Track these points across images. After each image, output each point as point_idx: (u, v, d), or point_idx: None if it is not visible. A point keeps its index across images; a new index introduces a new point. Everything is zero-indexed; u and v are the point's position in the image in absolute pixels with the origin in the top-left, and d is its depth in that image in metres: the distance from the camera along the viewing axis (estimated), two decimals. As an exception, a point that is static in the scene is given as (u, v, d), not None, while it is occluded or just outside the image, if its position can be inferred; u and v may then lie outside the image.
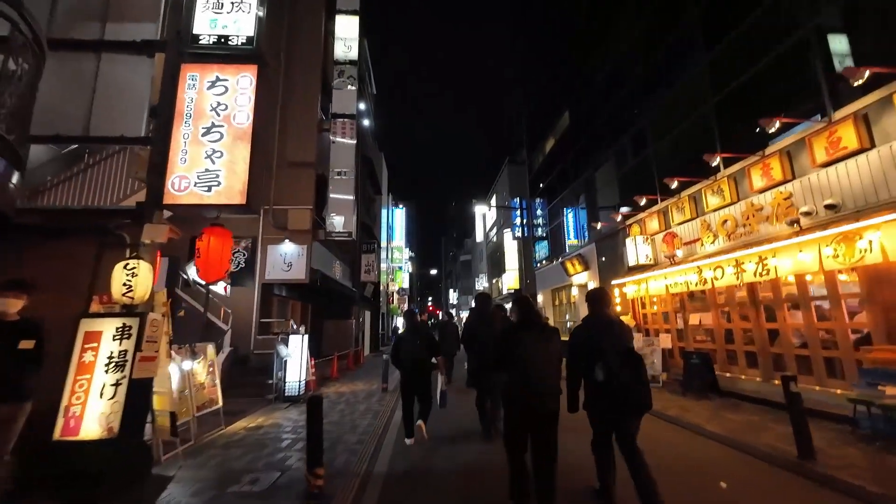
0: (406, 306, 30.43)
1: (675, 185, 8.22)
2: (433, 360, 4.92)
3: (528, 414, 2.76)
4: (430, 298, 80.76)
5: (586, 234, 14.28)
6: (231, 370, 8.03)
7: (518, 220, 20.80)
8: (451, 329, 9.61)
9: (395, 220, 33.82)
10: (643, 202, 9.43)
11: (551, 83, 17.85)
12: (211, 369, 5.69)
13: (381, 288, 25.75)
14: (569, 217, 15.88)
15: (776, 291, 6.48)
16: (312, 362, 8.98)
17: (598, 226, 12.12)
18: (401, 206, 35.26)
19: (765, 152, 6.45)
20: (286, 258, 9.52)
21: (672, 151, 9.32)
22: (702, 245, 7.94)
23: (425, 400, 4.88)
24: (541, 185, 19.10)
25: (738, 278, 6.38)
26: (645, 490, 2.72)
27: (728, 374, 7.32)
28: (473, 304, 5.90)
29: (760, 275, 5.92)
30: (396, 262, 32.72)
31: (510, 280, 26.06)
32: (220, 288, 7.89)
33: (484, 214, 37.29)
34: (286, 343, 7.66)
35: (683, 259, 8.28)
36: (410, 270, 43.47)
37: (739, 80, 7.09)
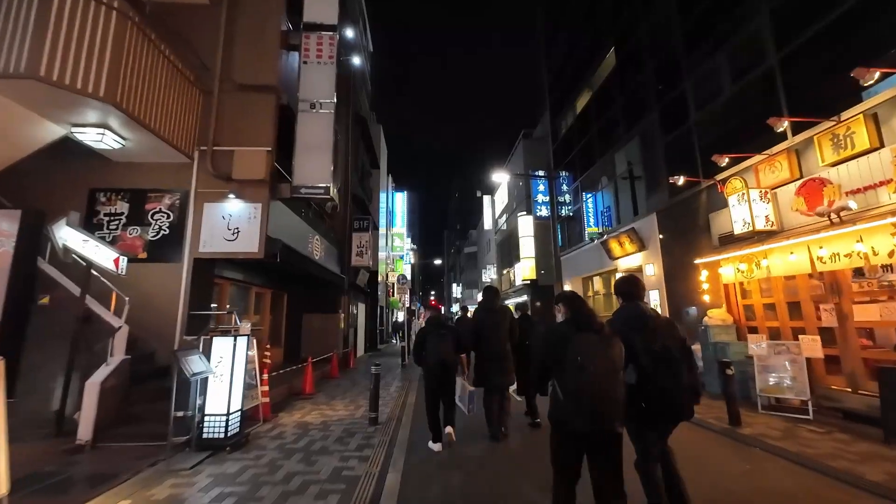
0: (407, 297, 27.34)
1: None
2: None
3: (584, 438, 2.23)
4: (432, 293, 78.05)
5: (633, 208, 11.17)
6: (126, 392, 4.99)
7: (540, 198, 17.64)
8: (469, 324, 7.52)
9: (396, 204, 30.74)
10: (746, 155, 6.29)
11: (587, 19, 14.63)
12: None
13: (380, 279, 22.75)
14: (606, 191, 12.76)
15: None
16: (265, 376, 5.93)
17: (679, 179, 8.96)
18: (402, 190, 32.16)
19: None
20: (231, 222, 6.46)
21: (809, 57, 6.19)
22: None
23: (450, 403, 4.50)
24: (569, 153, 15.90)
25: None
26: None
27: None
28: (480, 298, 5.30)
29: None
30: (397, 251, 29.69)
31: (525, 270, 22.93)
32: (107, 260, 4.88)
33: (493, 200, 34.19)
34: (206, 349, 4.61)
35: (856, 216, 5.16)
36: (412, 261, 40.43)
37: None
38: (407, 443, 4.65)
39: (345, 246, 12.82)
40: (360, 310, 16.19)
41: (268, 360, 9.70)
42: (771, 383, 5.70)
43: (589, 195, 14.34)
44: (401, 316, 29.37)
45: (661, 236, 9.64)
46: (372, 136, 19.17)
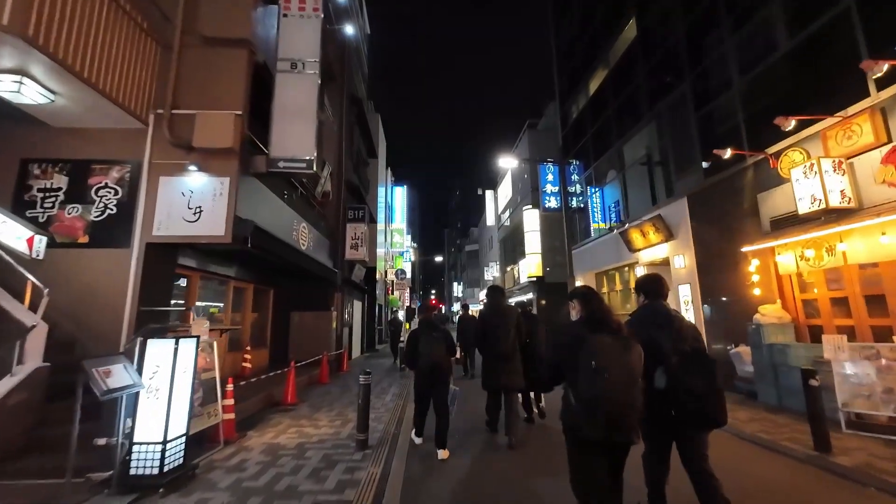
0: (408, 295, 26.19)
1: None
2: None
3: (598, 447, 2.05)
4: (433, 292, 77.05)
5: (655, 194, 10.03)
6: (39, 411, 3.87)
7: (549, 188, 16.50)
8: (471, 322, 8.30)
9: (396, 199, 29.61)
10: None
11: None
12: None
13: (379, 276, 21.64)
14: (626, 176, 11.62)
15: None
16: (230, 387, 4.83)
17: (724, 152, 7.85)
18: (402, 184, 30.98)
19: None
20: (192, 199, 5.34)
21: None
22: None
23: (443, 414, 4.07)
24: (580, 139, 14.75)
25: None
26: None
27: None
28: (485, 298, 5.05)
29: None
30: (397, 247, 28.57)
31: (530, 266, 21.83)
32: (17, 240, 3.78)
33: (495, 195, 33.07)
34: (139, 357, 3.49)
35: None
36: (413, 259, 39.30)
37: None
38: (403, 477, 3.54)
39: (338, 238, 11.70)
40: (357, 308, 15.07)
41: (247, 365, 8.62)
42: (860, 395, 4.57)
43: (595, 189, 13.22)
44: (401, 314, 28.22)
45: (693, 223, 8.51)
46: (370, 124, 18.10)
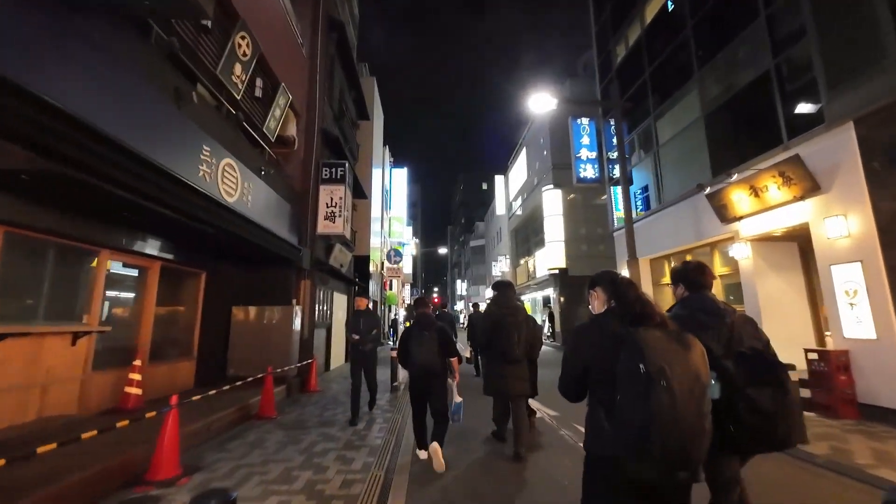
0: (408, 290, 22.95)
1: None
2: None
3: (647, 488, 1.44)
4: (435, 290, 74.02)
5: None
6: None
7: (584, 154, 13.14)
8: (480, 321, 5.79)
9: (395, 183, 26.34)
10: None
11: None
12: None
13: (374, 268, 18.43)
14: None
15: None
16: None
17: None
18: (402, 165, 27.70)
19: None
20: None
21: None
22: None
23: (441, 419, 3.76)
24: (629, 88, 11.31)
25: None
26: None
27: None
28: (491, 294, 4.64)
29: None
30: (395, 237, 25.37)
31: (551, 256, 18.58)
32: None
33: (506, 180, 29.76)
34: None
35: None
36: (414, 252, 36.05)
37: None
38: None
39: (307, 207, 8.42)
40: (340, 303, 11.78)
41: (135, 391, 5.32)
42: None
43: (652, 147, 9.86)
44: (402, 314, 24.93)
45: (865, 164, 5.18)
46: (364, 88, 14.96)
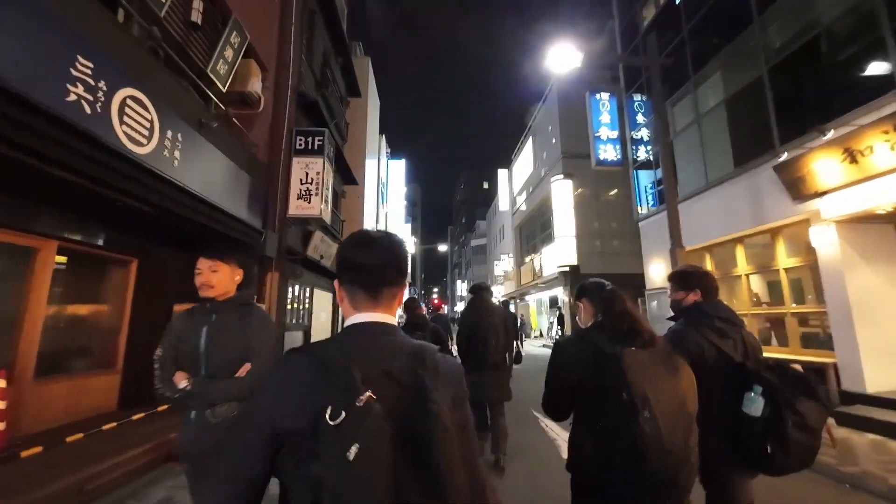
0: (405, 291, 21.41)
1: None
2: None
3: None
4: (435, 290, 72.54)
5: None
6: None
7: (604, 133, 11.55)
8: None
9: (391, 176, 24.80)
10: None
11: None
12: None
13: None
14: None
15: None
16: None
17: None
18: (399, 156, 26.14)
19: None
20: None
21: None
22: None
23: None
24: (669, 44, 9.70)
25: None
26: None
27: None
28: (469, 299, 4.29)
29: None
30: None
31: (561, 253, 17.00)
32: None
33: (510, 174, 28.20)
34: None
35: None
36: (413, 251, 34.50)
37: None
38: None
39: (277, 181, 6.85)
40: (323, 303, 10.19)
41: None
42: None
43: (697, 116, 8.33)
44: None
45: None
46: (357, 71, 13.53)
